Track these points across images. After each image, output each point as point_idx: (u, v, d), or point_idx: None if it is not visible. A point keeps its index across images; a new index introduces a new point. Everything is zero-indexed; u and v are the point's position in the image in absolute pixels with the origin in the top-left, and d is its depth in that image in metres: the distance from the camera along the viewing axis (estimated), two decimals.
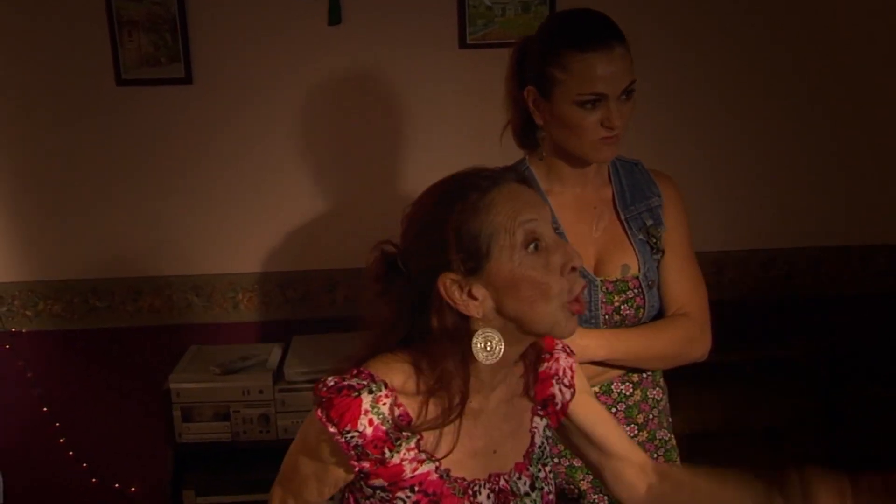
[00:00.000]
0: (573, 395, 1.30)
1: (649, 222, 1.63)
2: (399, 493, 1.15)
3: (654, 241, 1.63)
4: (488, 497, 1.20)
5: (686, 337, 1.63)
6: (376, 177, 2.69)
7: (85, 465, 2.79)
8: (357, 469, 1.14)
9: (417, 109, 2.65)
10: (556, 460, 1.63)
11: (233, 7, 2.57)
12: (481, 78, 2.63)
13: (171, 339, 2.73)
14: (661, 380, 1.73)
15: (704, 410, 2.50)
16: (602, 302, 1.59)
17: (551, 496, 1.30)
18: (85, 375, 2.76)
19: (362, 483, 1.17)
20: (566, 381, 1.29)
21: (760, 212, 2.79)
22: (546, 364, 1.28)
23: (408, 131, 2.65)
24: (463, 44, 2.62)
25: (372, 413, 1.10)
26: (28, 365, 2.74)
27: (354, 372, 1.13)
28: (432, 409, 1.13)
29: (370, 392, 1.10)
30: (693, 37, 2.68)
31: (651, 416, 1.69)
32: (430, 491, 1.15)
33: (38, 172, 2.65)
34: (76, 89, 2.60)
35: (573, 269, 1.11)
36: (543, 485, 1.28)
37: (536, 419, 1.27)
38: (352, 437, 1.10)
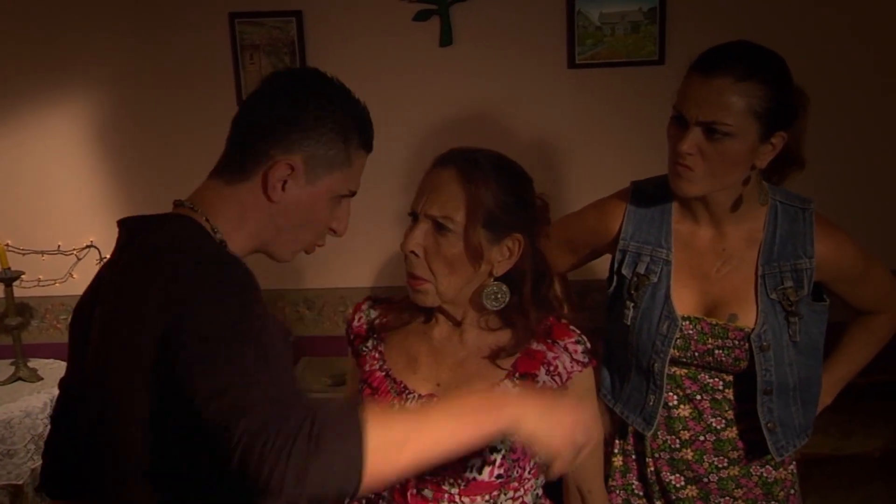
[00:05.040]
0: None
1: (788, 284, 1.52)
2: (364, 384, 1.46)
3: (790, 304, 1.52)
4: None
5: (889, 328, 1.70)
6: None
7: None
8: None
9: (527, 128, 2.69)
10: None
11: (348, 29, 2.67)
12: (590, 97, 2.66)
13: None
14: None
15: None
16: (694, 339, 1.56)
17: (496, 456, 1.33)
18: None
19: None
20: (557, 376, 1.38)
21: None
22: (541, 346, 1.39)
23: (516, 150, 2.63)
24: (572, 63, 2.65)
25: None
26: None
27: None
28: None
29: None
30: None
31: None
32: (375, 385, 1.43)
33: (160, 185, 2.75)
34: (201, 107, 2.72)
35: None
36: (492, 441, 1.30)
37: (507, 383, 1.37)
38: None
